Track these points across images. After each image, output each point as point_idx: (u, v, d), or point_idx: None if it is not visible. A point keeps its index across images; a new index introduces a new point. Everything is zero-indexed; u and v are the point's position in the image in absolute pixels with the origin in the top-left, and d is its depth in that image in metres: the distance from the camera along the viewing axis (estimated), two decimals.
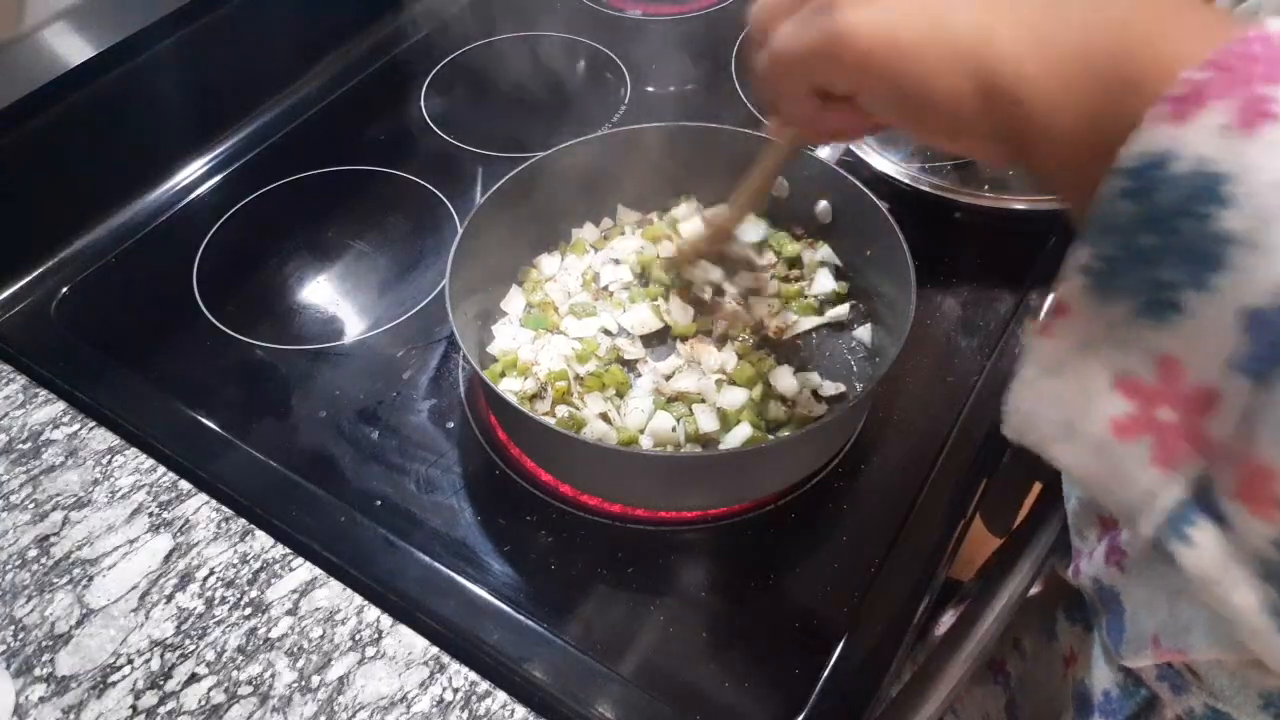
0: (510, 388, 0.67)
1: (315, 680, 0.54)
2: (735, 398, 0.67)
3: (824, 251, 0.77)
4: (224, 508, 0.63)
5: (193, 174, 0.90)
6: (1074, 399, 0.32)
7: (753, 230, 0.78)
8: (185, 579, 0.59)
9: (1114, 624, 0.52)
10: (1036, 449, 0.34)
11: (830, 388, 0.70)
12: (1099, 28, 0.32)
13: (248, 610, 0.58)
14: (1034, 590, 0.67)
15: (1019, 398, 0.34)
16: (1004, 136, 0.35)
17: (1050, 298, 0.52)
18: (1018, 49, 0.33)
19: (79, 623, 0.57)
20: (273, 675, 0.55)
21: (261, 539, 0.61)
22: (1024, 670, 0.73)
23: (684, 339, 0.72)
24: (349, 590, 0.58)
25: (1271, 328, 0.27)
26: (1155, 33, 0.31)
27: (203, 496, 0.63)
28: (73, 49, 0.81)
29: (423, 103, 0.98)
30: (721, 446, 0.65)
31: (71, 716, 0.53)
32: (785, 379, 0.68)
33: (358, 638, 0.56)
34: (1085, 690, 0.60)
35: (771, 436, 0.66)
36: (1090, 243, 0.31)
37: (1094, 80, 0.32)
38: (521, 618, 0.60)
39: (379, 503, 0.66)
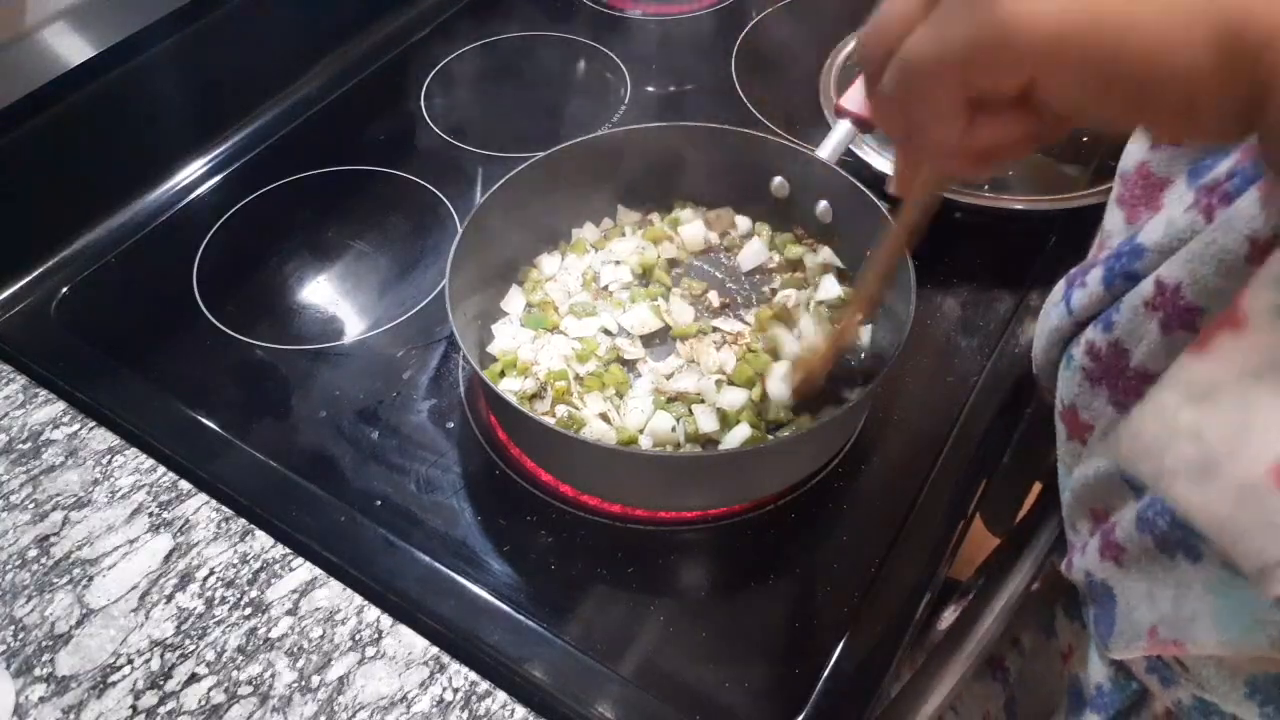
0: (510, 387, 0.67)
1: (315, 680, 0.54)
2: (735, 398, 0.67)
3: (825, 254, 0.77)
4: (224, 508, 0.63)
5: (193, 174, 0.90)
6: (1226, 432, 0.28)
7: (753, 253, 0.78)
8: (185, 579, 0.59)
9: (1103, 617, 0.52)
10: (1147, 480, 0.30)
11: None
12: None
13: (248, 610, 0.58)
14: (1033, 587, 0.67)
15: (1145, 422, 0.30)
16: (1247, 111, 0.29)
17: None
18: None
19: (79, 623, 0.57)
20: (273, 675, 0.55)
21: (261, 539, 0.61)
22: (1023, 667, 0.73)
23: (684, 339, 0.72)
24: (349, 590, 0.58)
25: None
26: None
27: (203, 496, 0.63)
28: (73, 49, 0.81)
29: (423, 103, 0.98)
30: (721, 446, 0.65)
31: (71, 716, 0.53)
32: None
33: (358, 638, 0.56)
34: (1079, 684, 0.60)
35: (771, 436, 0.66)
36: None
37: None
38: (521, 618, 0.60)
39: (379, 503, 0.66)
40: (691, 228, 0.78)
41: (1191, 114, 0.30)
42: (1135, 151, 0.53)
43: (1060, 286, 0.58)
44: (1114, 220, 0.55)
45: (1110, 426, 0.52)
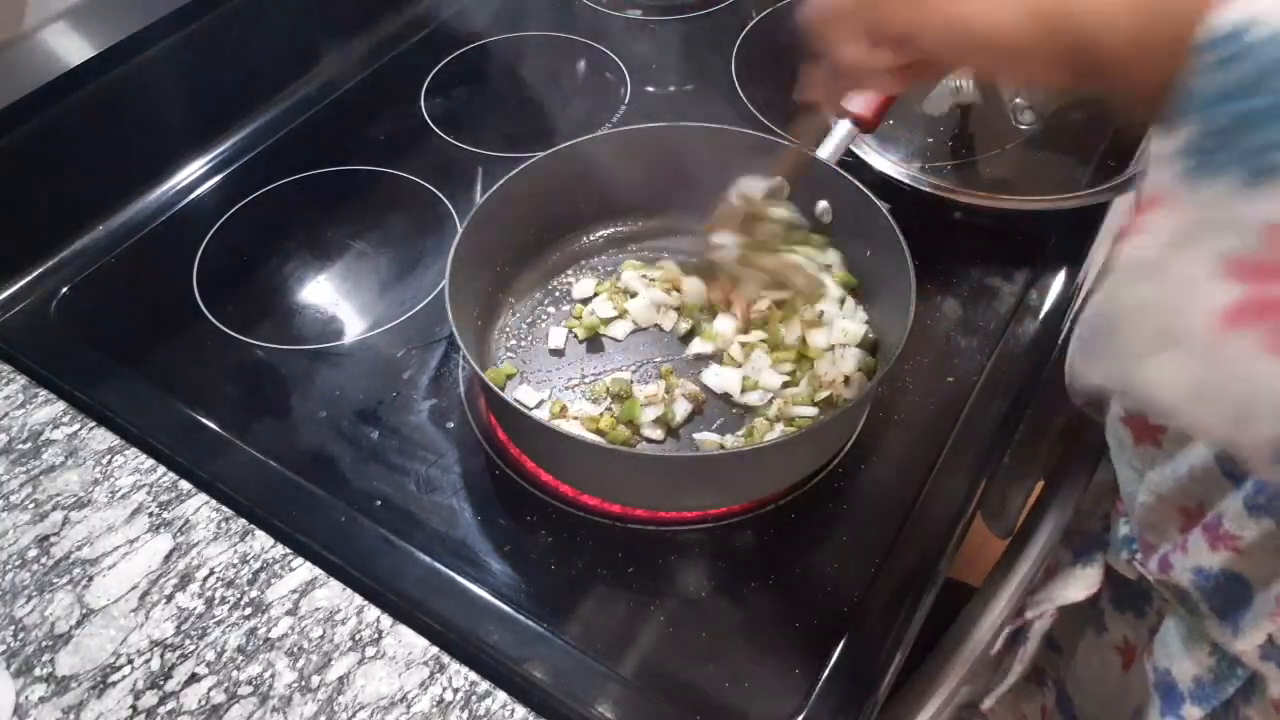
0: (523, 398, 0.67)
1: (315, 680, 0.54)
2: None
3: (827, 254, 0.76)
4: (224, 508, 0.63)
5: (193, 174, 0.90)
6: (1173, 298, 0.31)
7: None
8: (185, 579, 0.59)
9: (1236, 604, 0.52)
10: (1108, 379, 0.33)
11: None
12: None
13: (248, 610, 0.58)
14: (1089, 592, 0.66)
15: (1097, 317, 0.33)
16: (1065, 60, 0.37)
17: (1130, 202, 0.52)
18: None
19: (79, 623, 0.57)
20: (273, 675, 0.55)
21: (261, 539, 0.61)
22: (1070, 668, 0.73)
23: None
24: (349, 590, 0.58)
25: None
26: None
27: (203, 496, 0.63)
28: (73, 49, 0.81)
29: (423, 103, 0.98)
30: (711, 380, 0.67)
31: (71, 716, 0.53)
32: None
33: (358, 638, 0.56)
34: (1169, 680, 0.59)
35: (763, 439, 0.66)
36: (1182, 125, 0.30)
37: None
38: (521, 618, 0.60)
39: (379, 503, 0.66)
40: (692, 285, 0.76)
41: (1022, 65, 0.40)
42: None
43: None
44: None
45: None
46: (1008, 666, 0.71)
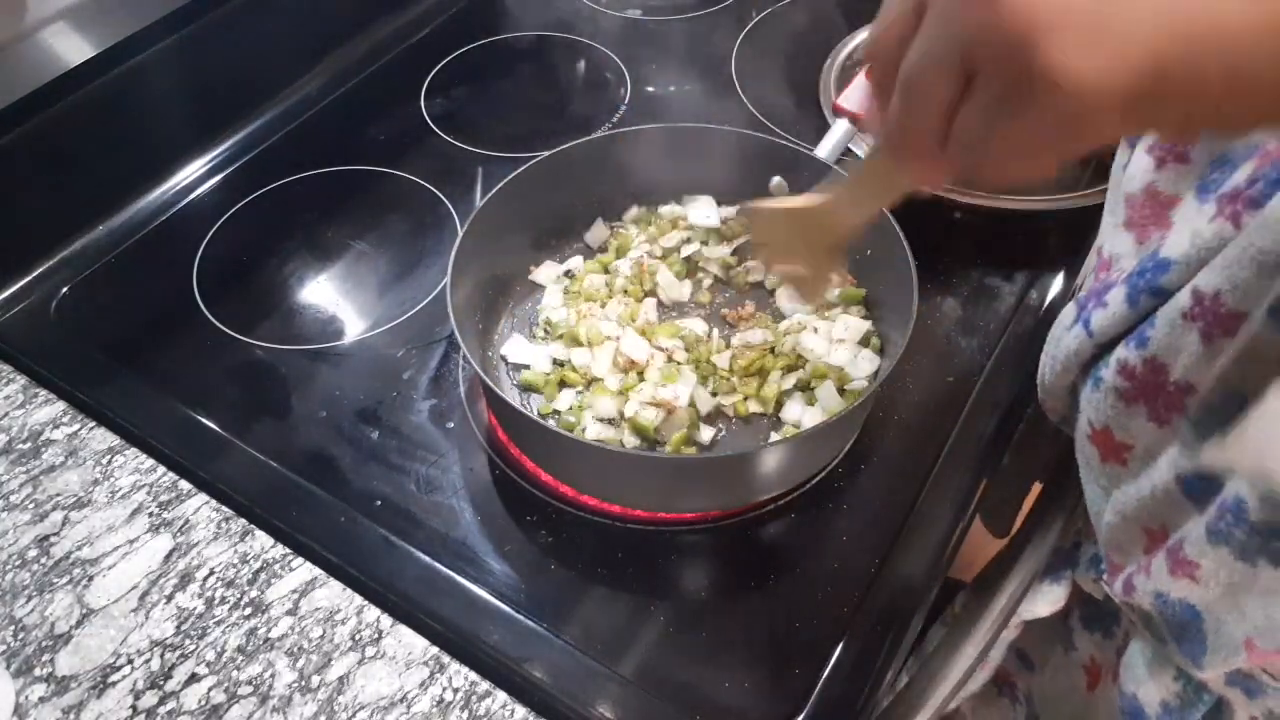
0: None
1: (315, 680, 0.54)
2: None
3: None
4: (224, 508, 0.63)
5: (193, 174, 0.90)
6: None
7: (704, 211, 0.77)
8: (185, 579, 0.59)
9: (1190, 636, 0.50)
10: (1257, 479, 0.31)
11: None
12: None
13: (248, 610, 0.58)
14: (1055, 609, 0.66)
15: (1256, 426, 0.31)
16: None
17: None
18: None
19: (79, 623, 0.57)
20: (273, 675, 0.55)
21: (261, 539, 0.61)
22: (1039, 685, 0.72)
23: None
24: (349, 590, 0.59)
25: None
26: None
27: (203, 496, 0.63)
28: (73, 49, 0.81)
29: (423, 103, 0.98)
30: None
31: (71, 716, 0.53)
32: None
33: (358, 638, 0.56)
34: (1135, 705, 0.58)
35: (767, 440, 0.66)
36: None
37: None
38: (521, 618, 0.60)
39: (379, 503, 0.66)
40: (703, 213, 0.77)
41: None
42: (1140, 174, 0.53)
43: (1070, 310, 0.57)
44: (1122, 243, 0.54)
45: (1154, 444, 0.50)
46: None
